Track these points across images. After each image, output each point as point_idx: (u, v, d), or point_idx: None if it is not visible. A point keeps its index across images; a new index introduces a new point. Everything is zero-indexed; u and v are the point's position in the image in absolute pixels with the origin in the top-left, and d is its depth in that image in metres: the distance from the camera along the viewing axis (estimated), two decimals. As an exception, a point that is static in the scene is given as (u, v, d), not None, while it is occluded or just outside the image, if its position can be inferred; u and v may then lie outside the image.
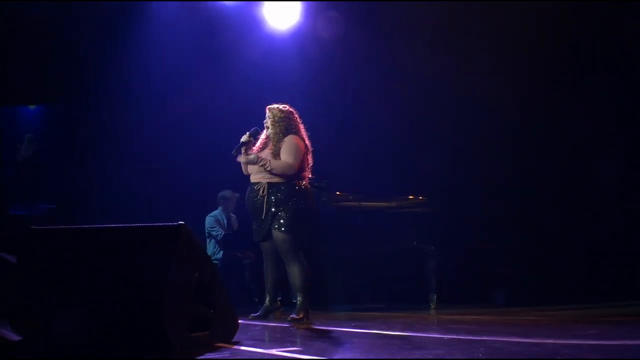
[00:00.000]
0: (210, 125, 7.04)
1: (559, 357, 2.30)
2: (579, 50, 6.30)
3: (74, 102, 7.60)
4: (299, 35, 7.28)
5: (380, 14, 6.97)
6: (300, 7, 7.19)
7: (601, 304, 5.39)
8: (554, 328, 3.65)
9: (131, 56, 7.15)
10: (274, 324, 4.15)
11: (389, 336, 3.27)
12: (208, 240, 6.45)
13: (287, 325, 4.05)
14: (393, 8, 6.78)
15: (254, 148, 4.54)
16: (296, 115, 4.58)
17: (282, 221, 4.31)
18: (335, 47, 7.09)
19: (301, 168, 4.44)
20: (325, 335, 3.51)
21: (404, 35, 6.86)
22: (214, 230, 6.41)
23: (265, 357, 2.55)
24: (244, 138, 4.50)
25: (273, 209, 4.33)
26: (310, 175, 4.55)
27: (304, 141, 4.52)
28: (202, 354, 2.56)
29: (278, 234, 4.33)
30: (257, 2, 7.28)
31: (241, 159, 4.48)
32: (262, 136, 4.57)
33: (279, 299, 4.73)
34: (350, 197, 5.95)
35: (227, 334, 3.00)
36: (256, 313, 4.46)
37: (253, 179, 4.46)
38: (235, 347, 2.84)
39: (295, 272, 4.34)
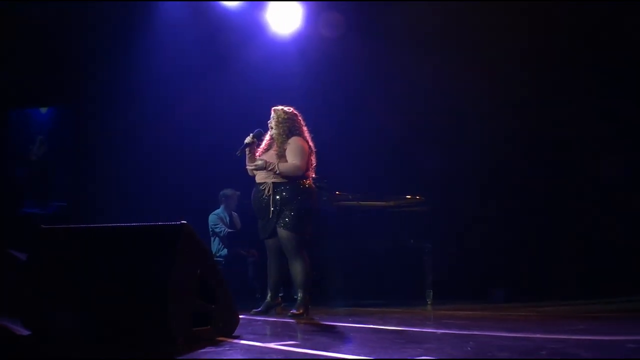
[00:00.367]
0: (214, 126, 7.08)
1: (543, 352, 2.34)
2: (576, 50, 6.28)
3: (83, 104, 7.64)
4: (300, 39, 7.32)
5: (378, 18, 7.00)
6: (302, 12, 7.23)
7: (593, 300, 5.40)
8: (544, 323, 3.66)
9: (137, 59, 7.18)
10: (274, 319, 4.18)
11: (384, 331, 3.30)
12: (212, 238, 6.48)
13: (288, 320, 4.09)
14: (391, 12, 6.80)
15: (258, 149, 4.58)
16: (300, 118, 4.62)
17: (287, 220, 4.35)
18: (335, 51, 7.11)
19: (306, 168, 4.48)
20: (323, 329, 3.55)
21: (401, 38, 6.87)
22: (217, 228, 6.45)
23: (264, 351, 2.59)
24: (247, 139, 4.52)
25: (278, 208, 4.37)
26: (313, 175, 4.59)
27: (308, 142, 4.56)
28: (204, 348, 2.59)
29: (283, 232, 4.37)
30: (260, 7, 7.32)
31: (249, 166, 4.50)
32: (266, 137, 4.61)
33: (280, 295, 4.78)
34: (350, 197, 5.97)
35: (228, 329, 3.03)
36: (258, 308, 4.50)
37: (258, 179, 4.50)
38: (236, 340, 2.87)
39: (297, 269, 4.39)
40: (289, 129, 4.52)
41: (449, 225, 6.38)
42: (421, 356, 2.26)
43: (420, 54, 6.72)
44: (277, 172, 4.37)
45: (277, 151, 4.45)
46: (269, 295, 4.58)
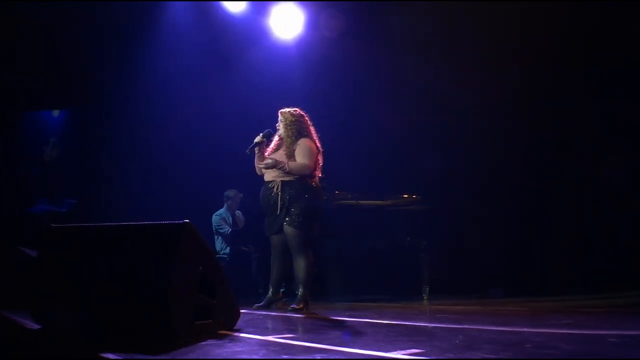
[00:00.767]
0: (217, 128, 7.13)
1: (528, 345, 2.38)
2: (574, 50, 6.26)
3: (93, 107, 7.71)
4: (301, 43, 7.37)
5: (377, 21, 7.02)
6: (303, 17, 7.28)
7: (584, 296, 5.39)
8: (533, 318, 3.68)
9: (143, 63, 7.24)
10: (275, 314, 4.21)
11: (378, 324, 3.33)
12: (216, 237, 6.53)
13: (288, 314, 4.13)
14: (390, 15, 6.83)
15: (268, 149, 4.62)
16: (306, 118, 4.67)
17: (294, 217, 4.40)
18: (335, 54, 7.16)
19: (314, 167, 4.53)
20: (321, 323, 3.58)
21: (400, 41, 6.90)
22: (221, 228, 6.49)
23: (262, 343, 2.63)
24: (257, 139, 4.57)
25: (287, 205, 4.41)
26: (320, 175, 4.63)
27: (316, 143, 4.61)
28: (205, 340, 2.63)
29: (289, 229, 4.42)
30: (263, 12, 7.37)
31: (260, 164, 4.53)
32: (275, 138, 4.65)
33: (282, 290, 4.82)
34: (349, 196, 6.01)
35: (229, 322, 3.07)
36: (260, 303, 4.54)
37: (267, 177, 4.55)
38: (236, 333, 2.92)
39: (300, 266, 4.43)
40: (298, 130, 4.56)
41: (446, 224, 6.39)
42: (411, 349, 2.30)
43: (417, 56, 6.74)
44: (287, 170, 4.41)
45: (286, 151, 4.50)
46: (271, 290, 4.61)
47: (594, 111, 6.27)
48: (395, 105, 7.06)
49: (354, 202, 5.97)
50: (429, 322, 3.39)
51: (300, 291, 4.43)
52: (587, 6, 5.91)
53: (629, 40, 5.90)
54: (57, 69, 7.14)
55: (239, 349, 2.45)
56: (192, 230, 2.83)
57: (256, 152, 4.57)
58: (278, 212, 4.43)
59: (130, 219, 3.15)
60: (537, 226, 6.56)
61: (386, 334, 2.87)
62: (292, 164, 4.43)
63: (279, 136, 4.63)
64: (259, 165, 4.56)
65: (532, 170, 6.69)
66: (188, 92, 7.33)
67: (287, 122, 4.58)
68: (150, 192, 6.98)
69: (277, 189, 4.45)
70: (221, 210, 6.60)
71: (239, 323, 3.16)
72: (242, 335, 2.88)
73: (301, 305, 4.33)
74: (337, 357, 2.22)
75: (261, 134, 4.60)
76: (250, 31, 7.43)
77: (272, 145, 4.65)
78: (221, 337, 2.79)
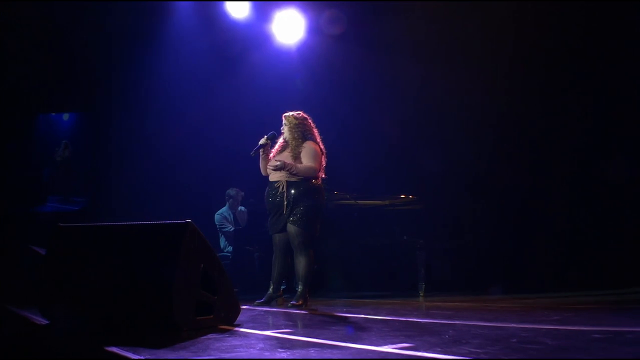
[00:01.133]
0: (221, 130, 7.18)
1: (514, 339, 2.40)
2: (567, 51, 6.28)
3: (102, 111, 7.77)
4: (303, 48, 7.42)
5: (375, 26, 7.06)
6: (305, 23, 7.33)
7: (576, 293, 5.40)
8: (523, 314, 3.69)
9: (150, 68, 7.30)
10: (275, 309, 4.25)
11: (373, 320, 3.35)
12: (220, 235, 6.57)
13: (288, 310, 4.16)
14: (387, 20, 6.86)
15: (272, 151, 4.67)
16: (309, 121, 4.71)
17: (297, 216, 4.45)
18: (334, 59, 7.20)
19: (319, 169, 4.58)
20: (319, 319, 3.61)
21: (396, 46, 6.93)
22: (224, 227, 6.52)
23: (259, 337, 2.66)
24: (262, 141, 4.62)
25: (291, 205, 4.46)
26: (323, 176, 4.66)
27: (320, 145, 4.65)
28: (206, 335, 2.67)
29: (292, 228, 4.46)
30: (266, 19, 7.42)
31: (268, 166, 4.57)
32: (280, 140, 4.70)
33: (282, 287, 4.86)
34: (348, 196, 6.05)
35: (230, 318, 3.11)
36: (261, 299, 4.58)
37: (273, 177, 4.59)
38: (236, 328, 2.95)
39: (301, 263, 4.48)
40: (302, 133, 4.61)
41: (441, 223, 6.43)
42: (401, 343, 2.34)
43: (413, 59, 6.76)
44: (295, 171, 4.46)
45: (291, 153, 4.54)
46: (272, 287, 4.65)
47: (588, 110, 6.26)
48: (392, 109, 7.09)
49: (352, 201, 5.99)
50: (422, 318, 3.42)
51: (300, 288, 4.48)
52: (585, 5, 5.89)
53: (625, 40, 5.89)
54: (68, 74, 7.20)
55: (237, 342, 2.48)
56: (194, 229, 2.87)
57: (261, 153, 4.63)
58: (284, 211, 4.47)
59: (135, 217, 3.19)
60: (533, 225, 6.56)
61: (380, 329, 2.90)
62: (299, 166, 4.48)
63: (284, 139, 4.67)
64: (268, 166, 4.60)
65: (525, 170, 6.69)
66: (193, 94, 7.40)
67: (291, 125, 4.62)
68: (157, 191, 7.03)
69: (282, 188, 4.49)
70: (223, 209, 6.64)
71: (240, 318, 3.20)
72: (241, 330, 2.91)
73: (301, 302, 4.38)
74: (331, 351, 2.25)
75: (266, 136, 4.65)
76: (253, 36, 7.49)
77: (277, 147, 4.69)
78: (222, 331, 2.82)
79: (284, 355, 2.17)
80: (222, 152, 7.05)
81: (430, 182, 6.73)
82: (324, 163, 4.65)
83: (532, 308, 4.24)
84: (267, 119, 4.97)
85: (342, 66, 7.20)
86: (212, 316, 2.93)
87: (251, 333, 2.80)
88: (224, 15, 7.38)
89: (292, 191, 4.47)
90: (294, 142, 4.58)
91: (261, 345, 2.43)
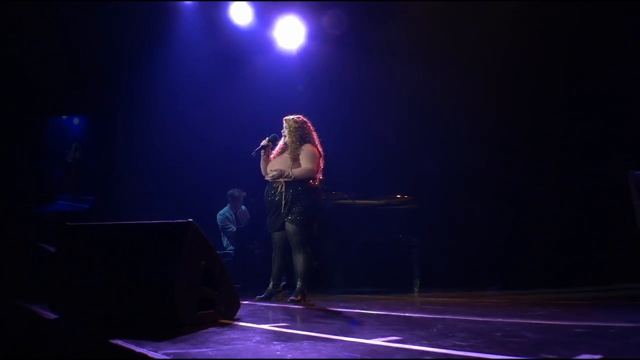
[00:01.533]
0: (223, 133, 7.22)
1: (498, 333, 2.45)
2: (562, 50, 6.25)
3: (109, 114, 7.83)
4: (303, 54, 7.48)
5: (372, 29, 7.09)
6: (305, 30, 7.38)
7: (567, 289, 5.40)
8: (511, 309, 3.72)
9: (155, 73, 7.34)
10: (275, 305, 4.29)
11: (367, 314, 3.39)
12: (222, 235, 6.61)
13: (287, 305, 4.21)
14: (384, 22, 6.89)
15: (273, 152, 4.73)
16: (309, 124, 4.77)
17: (296, 215, 4.50)
18: (333, 63, 7.25)
19: (316, 170, 4.63)
20: (316, 314, 3.64)
21: (394, 50, 6.95)
22: (227, 227, 6.55)
23: (257, 331, 2.71)
24: (263, 142, 4.70)
25: (289, 204, 4.51)
26: (321, 177, 4.72)
27: (318, 148, 4.71)
28: (207, 328, 2.72)
29: (291, 227, 4.52)
30: (268, 25, 7.47)
31: (267, 176, 4.65)
32: (280, 142, 4.76)
33: (283, 283, 4.91)
34: (345, 196, 6.09)
35: (230, 312, 3.16)
36: (261, 295, 4.63)
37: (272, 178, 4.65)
38: (236, 322, 3.00)
39: (299, 261, 4.54)
40: (301, 136, 4.67)
41: (436, 222, 6.45)
42: (391, 336, 2.39)
43: (409, 62, 6.78)
44: (293, 177, 4.53)
45: (291, 155, 4.61)
46: (272, 283, 4.70)
47: (583, 110, 6.25)
48: (389, 111, 7.13)
49: (350, 201, 6.04)
50: (414, 313, 3.46)
51: (298, 284, 4.53)
52: (584, 5, 5.85)
53: (621, 41, 5.87)
54: (77, 79, 7.26)
55: (235, 335, 2.53)
56: (196, 228, 2.92)
57: (262, 154, 4.70)
58: (282, 210, 4.52)
59: (139, 217, 3.24)
60: (526, 223, 6.57)
61: (372, 323, 2.95)
62: (295, 170, 4.54)
63: (284, 141, 4.73)
64: (266, 178, 4.67)
65: (518, 170, 6.71)
66: (196, 98, 7.45)
67: (291, 128, 4.69)
68: (158, 192, 7.07)
69: (281, 188, 4.54)
70: (225, 209, 6.68)
71: (240, 313, 3.24)
72: (241, 324, 2.96)
73: (299, 297, 4.43)
74: (323, 343, 2.30)
75: (267, 138, 4.72)
76: (255, 41, 7.54)
77: (277, 148, 4.75)
78: (221, 325, 2.87)
79: (278, 347, 2.22)
80: (223, 154, 7.11)
81: (427, 181, 6.76)
82: (321, 165, 4.71)
83: (519, 303, 4.24)
84: (268, 122, 5.02)
85: (341, 71, 7.25)
86: (213, 311, 2.98)
87: (250, 327, 2.85)
88: (228, 21, 7.44)
89: (290, 191, 4.53)
90: (293, 145, 4.64)
91: (258, 337, 2.47)
